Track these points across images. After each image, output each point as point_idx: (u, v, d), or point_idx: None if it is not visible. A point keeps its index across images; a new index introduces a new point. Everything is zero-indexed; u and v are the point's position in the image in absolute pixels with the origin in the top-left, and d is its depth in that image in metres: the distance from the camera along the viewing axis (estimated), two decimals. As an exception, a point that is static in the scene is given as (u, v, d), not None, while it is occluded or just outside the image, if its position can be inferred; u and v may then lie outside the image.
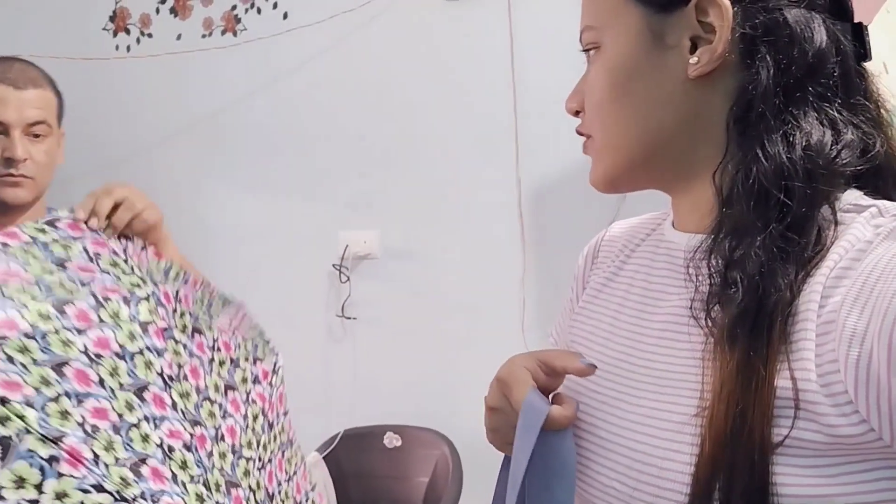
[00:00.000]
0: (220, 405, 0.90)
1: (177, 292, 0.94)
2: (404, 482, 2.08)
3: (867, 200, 0.55)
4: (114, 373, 0.78)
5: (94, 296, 0.82)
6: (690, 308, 0.56)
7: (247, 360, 0.99)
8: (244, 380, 0.97)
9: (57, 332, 0.76)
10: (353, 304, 2.23)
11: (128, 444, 0.75)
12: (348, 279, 2.21)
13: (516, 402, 0.61)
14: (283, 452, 0.98)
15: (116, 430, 0.75)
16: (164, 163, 2.31)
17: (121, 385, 0.78)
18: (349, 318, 2.23)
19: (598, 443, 0.61)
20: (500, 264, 2.12)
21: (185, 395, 0.85)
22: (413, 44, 2.15)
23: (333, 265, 2.22)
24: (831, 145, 0.54)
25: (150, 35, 2.37)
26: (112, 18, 2.40)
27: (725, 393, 0.50)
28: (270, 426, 0.98)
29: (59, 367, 0.74)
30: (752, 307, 0.51)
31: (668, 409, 0.56)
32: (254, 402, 0.96)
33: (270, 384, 1.01)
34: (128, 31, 2.39)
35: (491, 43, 2.07)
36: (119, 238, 0.95)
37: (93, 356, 0.77)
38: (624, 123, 0.61)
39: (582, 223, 2.01)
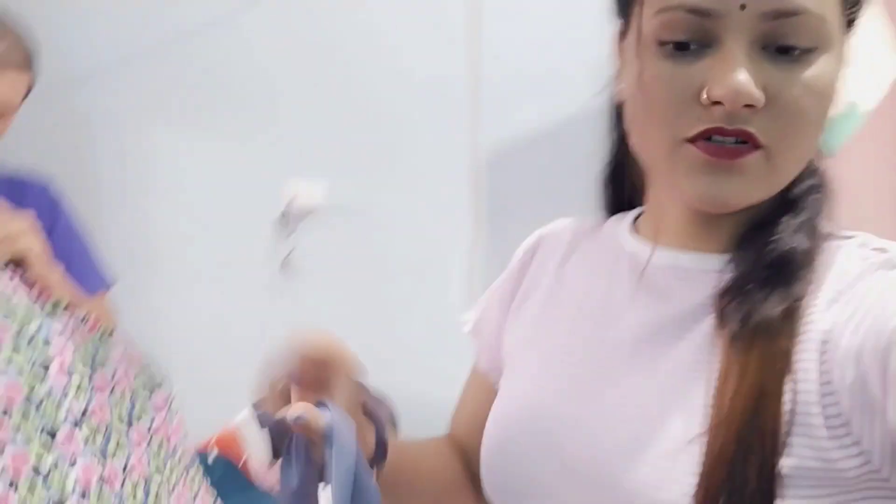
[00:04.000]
0: (127, 437, 0.93)
1: (68, 326, 0.94)
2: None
3: (838, 230, 0.56)
4: (26, 416, 0.81)
5: None
6: (716, 333, 0.53)
7: (144, 388, 1.02)
8: (144, 410, 1.00)
9: None
10: (297, 260, 2.15)
11: (48, 488, 0.79)
12: (292, 232, 2.13)
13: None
14: (187, 472, 1.04)
15: (38, 473, 0.79)
16: (98, 98, 2.17)
17: (35, 429, 0.81)
18: (290, 275, 2.16)
19: (566, 467, 0.57)
20: (450, 231, 2.07)
21: (94, 431, 0.88)
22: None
23: (277, 216, 2.14)
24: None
25: (89, -41, 2.21)
26: (47, -63, 2.22)
27: (732, 417, 0.48)
28: (174, 452, 1.02)
29: None
30: (758, 327, 0.50)
31: (656, 433, 0.52)
32: (157, 430, 1.00)
33: (170, 409, 1.04)
34: (65, -47, 2.22)
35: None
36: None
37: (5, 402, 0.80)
38: (809, 151, 0.55)
39: (544, 194, 1.99)
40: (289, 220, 2.13)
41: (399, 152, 2.10)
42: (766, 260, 0.52)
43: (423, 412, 1.95)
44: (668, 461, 0.51)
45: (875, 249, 0.52)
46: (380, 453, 0.64)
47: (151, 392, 1.03)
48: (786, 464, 0.47)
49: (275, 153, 2.15)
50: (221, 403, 1.82)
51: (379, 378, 2.24)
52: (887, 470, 0.46)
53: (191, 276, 2.25)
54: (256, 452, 1.96)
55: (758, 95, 0.49)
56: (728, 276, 0.54)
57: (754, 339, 0.49)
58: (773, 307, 0.50)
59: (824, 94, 0.52)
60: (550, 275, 0.68)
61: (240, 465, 1.84)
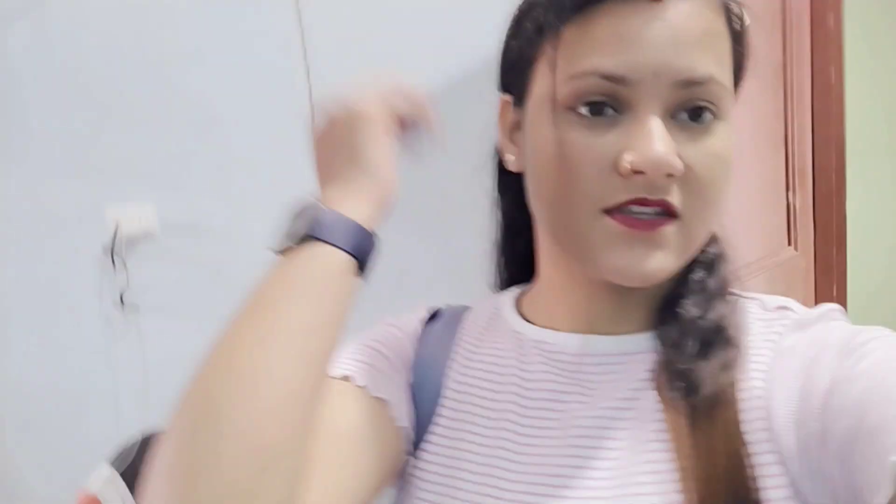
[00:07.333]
0: None
1: None
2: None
3: (736, 291, 0.56)
4: None
5: None
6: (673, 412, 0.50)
7: None
8: None
9: None
10: (134, 293, 1.93)
11: None
12: (124, 264, 1.91)
13: None
14: None
15: None
16: None
17: None
18: (130, 308, 1.93)
19: None
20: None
21: None
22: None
23: (103, 249, 1.91)
24: None
25: None
26: None
27: (709, 496, 0.46)
28: None
29: None
30: (709, 399, 0.48)
31: None
32: None
33: None
34: None
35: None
36: None
37: None
38: (716, 218, 0.54)
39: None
40: (117, 249, 1.91)
41: (234, 161, 1.94)
42: (694, 331, 0.51)
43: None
44: None
45: (778, 309, 0.53)
46: None
47: None
48: None
49: (89, 175, 1.91)
50: (69, 463, 1.60)
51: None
52: None
53: (5, 327, 1.97)
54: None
55: (679, 164, 0.48)
56: (660, 354, 0.52)
57: (710, 411, 0.48)
58: (716, 376, 0.49)
59: (729, 163, 0.52)
60: (450, 381, 0.62)
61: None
